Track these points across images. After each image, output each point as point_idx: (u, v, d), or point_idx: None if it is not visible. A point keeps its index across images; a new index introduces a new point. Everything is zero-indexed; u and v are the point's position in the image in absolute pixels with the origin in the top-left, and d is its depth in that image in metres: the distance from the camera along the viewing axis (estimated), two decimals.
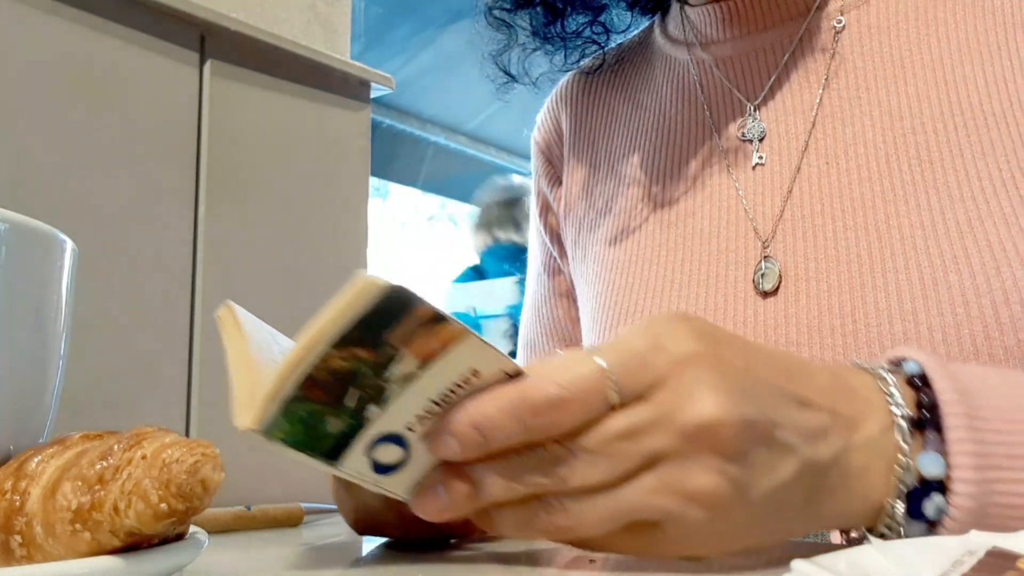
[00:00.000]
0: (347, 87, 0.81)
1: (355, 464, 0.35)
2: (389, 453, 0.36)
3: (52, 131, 0.60)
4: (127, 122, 0.65)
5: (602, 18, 0.76)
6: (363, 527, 0.46)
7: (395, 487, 0.37)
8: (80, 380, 0.59)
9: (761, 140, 0.63)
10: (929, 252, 0.53)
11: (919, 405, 0.38)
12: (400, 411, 0.35)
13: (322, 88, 0.79)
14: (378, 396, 0.34)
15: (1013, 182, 0.53)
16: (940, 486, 0.37)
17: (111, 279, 0.63)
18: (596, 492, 0.35)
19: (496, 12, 0.75)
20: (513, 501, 0.36)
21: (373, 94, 0.85)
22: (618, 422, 0.35)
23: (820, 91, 0.62)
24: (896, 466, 0.37)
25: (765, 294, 0.58)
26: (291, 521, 0.60)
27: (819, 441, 0.37)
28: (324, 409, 0.34)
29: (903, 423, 0.38)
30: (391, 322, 0.33)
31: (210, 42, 0.71)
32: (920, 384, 0.39)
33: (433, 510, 0.36)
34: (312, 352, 0.32)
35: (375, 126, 1.35)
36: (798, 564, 0.26)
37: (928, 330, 0.51)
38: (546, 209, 0.80)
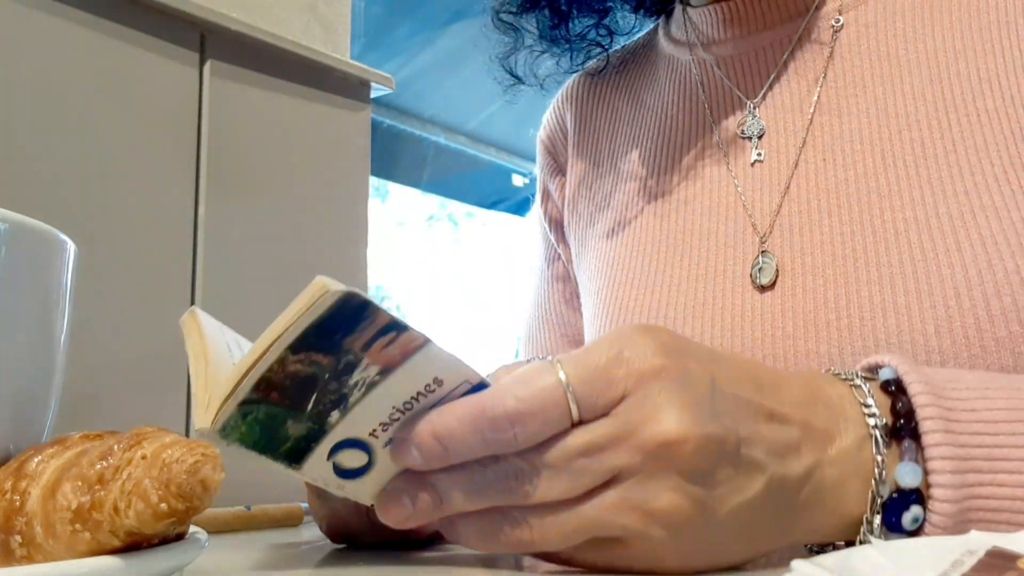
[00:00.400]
0: (347, 87, 0.81)
1: (318, 468, 0.36)
2: (353, 458, 0.36)
3: (52, 131, 0.60)
4: (127, 122, 0.65)
5: (607, 21, 0.77)
6: (335, 534, 0.47)
7: (359, 492, 0.37)
8: (80, 380, 0.59)
9: (760, 137, 0.64)
10: (923, 246, 0.54)
11: (895, 412, 0.38)
12: (362, 417, 0.35)
13: (322, 88, 0.79)
14: (339, 402, 0.34)
15: (1006, 177, 0.54)
16: (918, 496, 0.37)
17: (111, 279, 0.62)
18: (558, 507, 0.35)
19: (503, 15, 0.76)
20: (476, 512, 0.36)
21: (373, 94, 0.85)
22: (579, 438, 0.34)
23: (818, 89, 0.63)
24: (872, 480, 0.37)
25: (762, 288, 0.59)
26: (291, 521, 0.60)
27: (789, 456, 0.36)
28: (283, 413, 0.34)
29: (879, 434, 0.38)
30: (349, 328, 0.33)
31: (210, 42, 0.71)
32: (895, 390, 0.39)
33: (397, 518, 0.36)
34: (269, 355, 0.33)
35: (375, 127, 1.35)
36: (798, 564, 0.26)
37: (921, 323, 0.52)
38: (549, 205, 0.81)
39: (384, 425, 0.35)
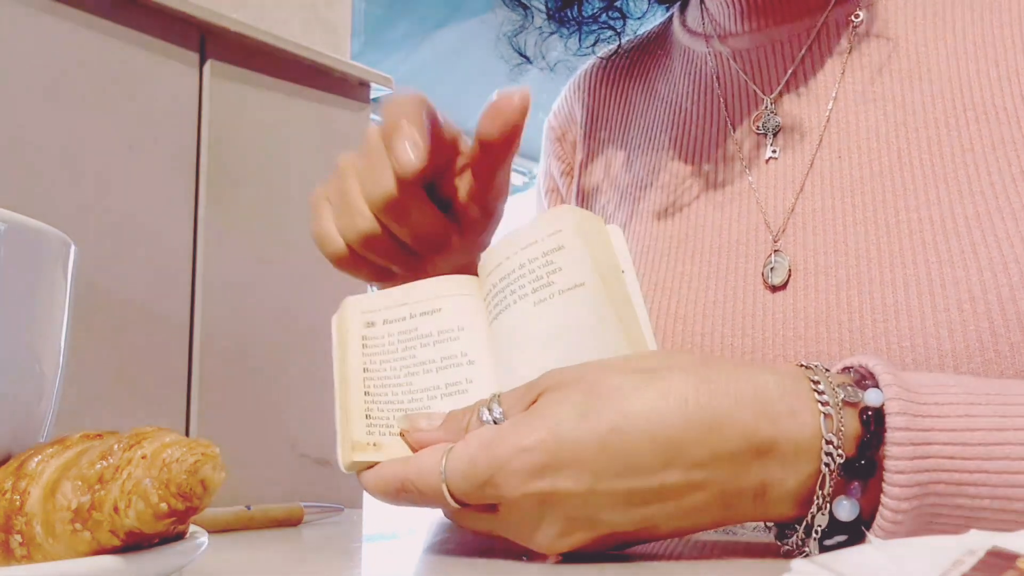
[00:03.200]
0: (347, 87, 0.81)
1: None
2: None
3: (52, 131, 0.60)
4: (127, 122, 0.65)
5: (618, 3, 0.76)
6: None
7: None
8: (80, 380, 0.59)
9: (776, 133, 0.63)
10: (937, 247, 0.53)
11: (859, 445, 0.37)
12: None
13: (322, 88, 0.79)
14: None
15: (1023, 177, 0.53)
16: (848, 528, 0.38)
17: (111, 279, 0.62)
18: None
19: None
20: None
21: (373, 94, 0.85)
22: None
23: (836, 86, 0.62)
24: (810, 513, 0.38)
25: (774, 288, 0.58)
26: (291, 521, 0.60)
27: (715, 509, 0.38)
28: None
29: (828, 472, 0.37)
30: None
31: (210, 42, 0.71)
32: (871, 416, 0.38)
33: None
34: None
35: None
36: (798, 564, 0.26)
37: (935, 325, 0.51)
38: (555, 195, 0.80)
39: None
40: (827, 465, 0.37)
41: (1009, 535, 0.27)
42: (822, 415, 0.38)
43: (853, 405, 0.38)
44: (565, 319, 0.42)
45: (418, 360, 0.45)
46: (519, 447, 0.37)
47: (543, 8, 0.75)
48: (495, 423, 0.40)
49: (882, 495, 0.37)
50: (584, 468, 0.37)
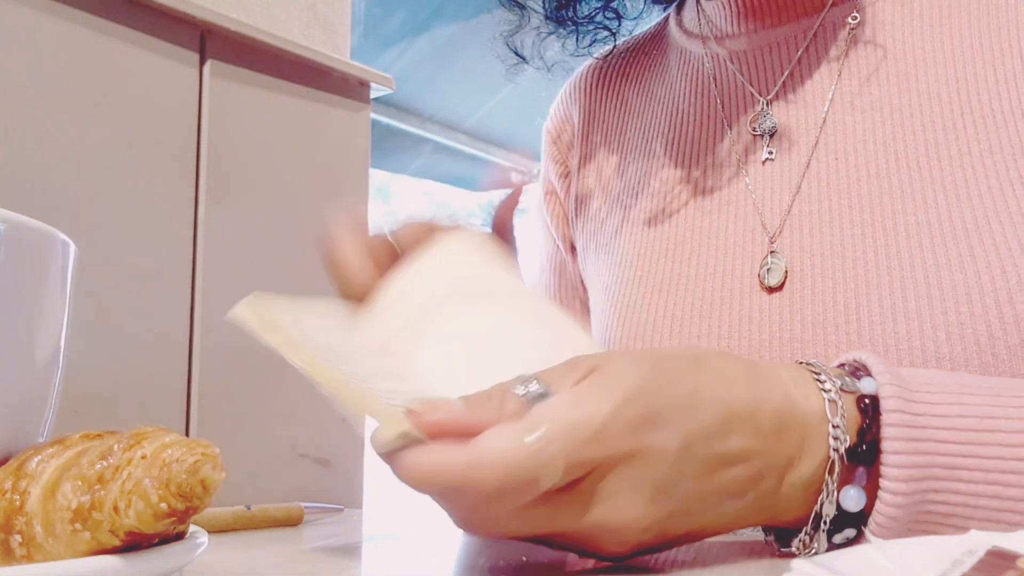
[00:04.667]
0: (347, 87, 0.81)
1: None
2: None
3: (52, 131, 0.60)
4: (127, 122, 0.65)
5: (614, 4, 0.76)
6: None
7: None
8: (80, 380, 0.59)
9: (772, 135, 0.63)
10: (935, 250, 0.53)
11: (859, 433, 0.39)
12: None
13: (322, 88, 0.79)
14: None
15: (1021, 180, 0.53)
16: (855, 519, 0.38)
17: (111, 279, 0.62)
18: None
19: None
20: None
21: (373, 94, 0.85)
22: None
23: (832, 88, 0.62)
24: (819, 500, 0.39)
25: (771, 289, 0.59)
26: (291, 521, 0.60)
27: (749, 490, 0.38)
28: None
29: (837, 457, 0.38)
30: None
31: (210, 42, 0.71)
32: (868, 403, 0.39)
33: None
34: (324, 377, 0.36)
35: (373, 124, 1.36)
36: (798, 564, 0.26)
37: (932, 328, 0.52)
38: (553, 199, 0.80)
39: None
40: (835, 450, 0.38)
41: (1009, 535, 0.27)
42: (827, 401, 0.39)
43: (851, 393, 0.40)
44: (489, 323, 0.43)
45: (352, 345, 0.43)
46: (617, 402, 0.35)
47: (539, 9, 0.75)
48: (541, 397, 0.36)
49: (881, 479, 0.37)
50: (677, 427, 0.36)
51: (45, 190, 0.60)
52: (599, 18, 0.76)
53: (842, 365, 0.43)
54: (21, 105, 0.59)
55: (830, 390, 0.39)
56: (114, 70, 0.65)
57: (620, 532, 0.36)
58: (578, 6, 0.75)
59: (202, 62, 0.71)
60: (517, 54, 0.76)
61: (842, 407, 0.39)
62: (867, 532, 0.39)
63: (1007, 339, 0.50)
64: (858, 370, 0.41)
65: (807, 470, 0.38)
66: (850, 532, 0.39)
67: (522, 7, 0.75)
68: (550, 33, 0.76)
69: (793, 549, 0.40)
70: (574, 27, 0.76)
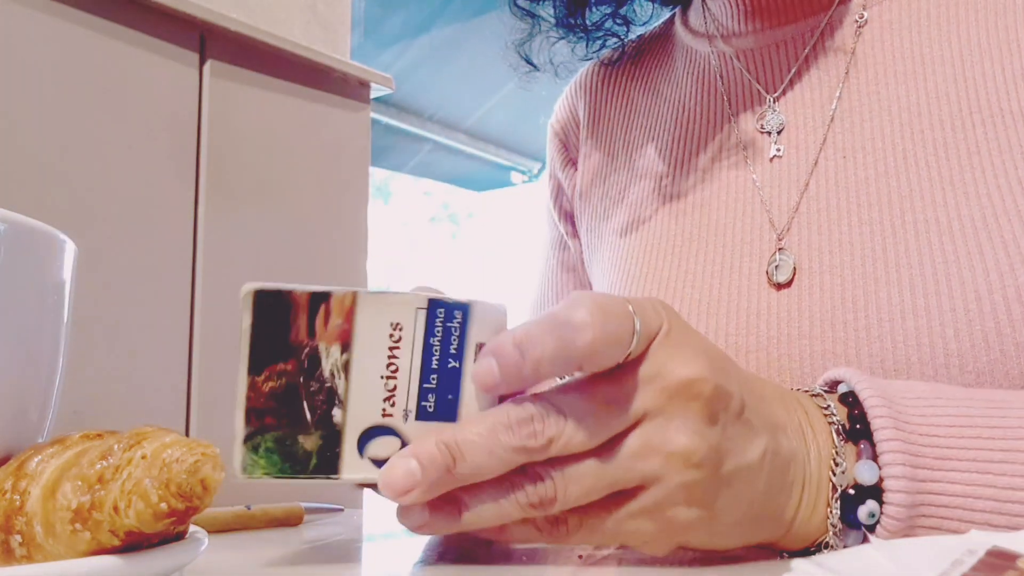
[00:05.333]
0: (347, 87, 0.81)
1: (358, 468, 0.35)
2: (385, 446, 0.35)
3: (52, 131, 0.60)
4: (127, 122, 0.65)
5: (623, 11, 0.76)
6: None
7: None
8: (80, 380, 0.59)
9: (779, 133, 0.63)
10: (943, 248, 0.53)
11: (850, 418, 0.41)
12: (363, 401, 0.34)
13: (322, 88, 0.79)
14: (331, 398, 0.34)
15: None
16: (873, 493, 0.39)
17: (111, 279, 0.62)
18: (580, 458, 0.35)
19: (520, 1, 0.75)
20: (488, 483, 0.36)
21: (373, 94, 0.85)
22: (610, 385, 0.36)
23: (840, 86, 0.62)
24: (831, 473, 0.40)
25: (779, 286, 0.59)
26: (291, 521, 0.60)
27: (780, 434, 0.39)
28: (288, 432, 0.34)
29: (835, 431, 0.40)
30: (283, 323, 0.33)
31: (210, 42, 0.71)
32: (851, 400, 0.42)
33: (402, 485, 0.35)
34: (239, 388, 0.33)
35: (373, 124, 1.36)
36: (798, 564, 0.26)
37: (940, 326, 0.52)
38: (559, 195, 0.80)
39: (388, 399, 0.35)
40: (832, 424, 0.40)
41: (1009, 535, 0.27)
42: (812, 395, 0.42)
43: (832, 393, 0.43)
44: None
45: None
46: (695, 349, 0.37)
47: (550, 16, 0.75)
48: None
49: (883, 467, 0.38)
50: (733, 375, 0.38)
51: (45, 190, 0.60)
52: (608, 24, 0.76)
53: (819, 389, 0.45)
54: (21, 105, 0.59)
55: (812, 387, 0.43)
56: (114, 70, 0.65)
57: (695, 382, 0.36)
58: (587, 13, 0.75)
59: (202, 62, 0.71)
60: (529, 62, 0.77)
61: (828, 400, 0.42)
62: (867, 533, 0.39)
63: (1015, 336, 0.50)
64: (833, 383, 0.44)
65: (823, 441, 0.40)
66: (873, 505, 0.39)
67: (533, 15, 0.75)
68: (560, 39, 0.76)
69: (828, 538, 0.40)
70: (584, 34, 0.76)
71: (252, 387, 0.33)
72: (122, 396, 0.63)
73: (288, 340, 0.33)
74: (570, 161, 0.79)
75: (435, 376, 0.36)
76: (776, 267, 0.59)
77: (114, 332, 0.62)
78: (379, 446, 0.35)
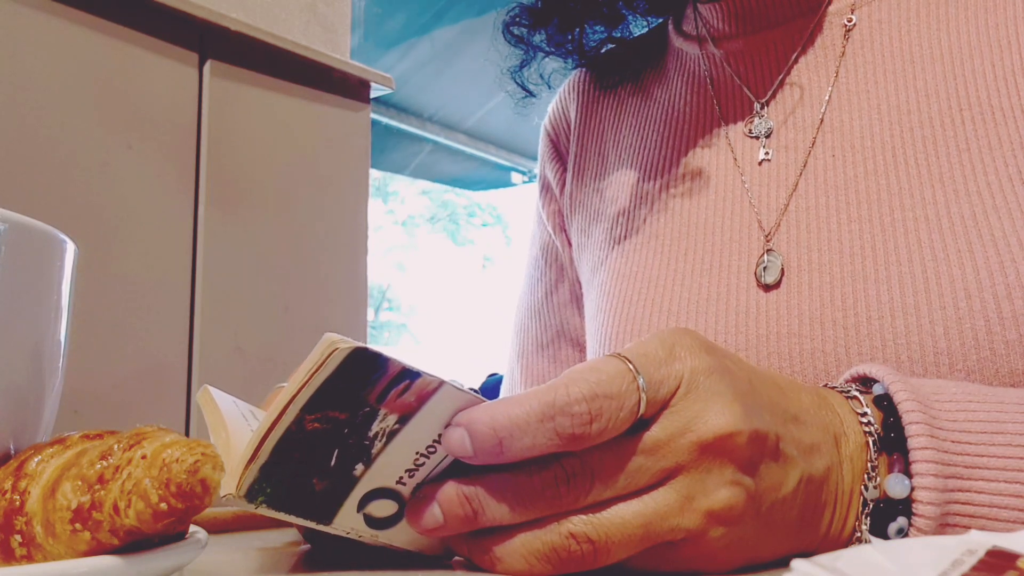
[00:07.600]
0: (347, 87, 0.81)
1: (349, 521, 0.35)
2: (383, 508, 0.36)
3: (52, 131, 0.60)
4: (127, 122, 0.65)
5: (617, 33, 0.77)
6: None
7: (393, 539, 0.37)
8: (80, 380, 0.59)
9: (768, 136, 0.64)
10: (933, 246, 0.53)
11: (885, 424, 0.39)
12: (387, 466, 0.34)
13: (322, 88, 0.79)
14: (362, 454, 0.34)
15: (1020, 177, 0.53)
16: (904, 506, 0.38)
17: (111, 279, 0.62)
18: (618, 513, 0.34)
19: (515, 29, 0.76)
20: (517, 530, 0.34)
21: (373, 94, 0.85)
22: (638, 436, 0.34)
23: (829, 88, 0.62)
24: (864, 488, 0.39)
25: (767, 287, 0.59)
26: None
27: (814, 456, 0.37)
28: (307, 471, 0.34)
29: (872, 441, 0.39)
30: (363, 382, 0.32)
31: (210, 42, 0.71)
32: (886, 404, 0.40)
33: (426, 524, 0.35)
34: (285, 417, 0.33)
35: (373, 124, 1.36)
36: (798, 564, 0.26)
37: (930, 323, 0.52)
38: (549, 195, 0.80)
39: (410, 471, 0.35)
40: (869, 434, 0.39)
41: (1009, 535, 0.27)
42: (849, 398, 0.40)
43: (867, 394, 0.41)
44: None
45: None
46: (685, 333, 0.36)
47: (544, 46, 0.76)
48: None
49: (914, 477, 0.37)
50: (740, 364, 0.37)
51: (45, 190, 0.60)
52: (603, 47, 0.77)
53: (849, 381, 0.43)
54: (21, 105, 0.59)
55: (848, 390, 0.41)
56: (114, 70, 0.65)
57: (729, 436, 0.34)
58: (583, 38, 0.75)
59: (202, 62, 0.71)
60: (524, 88, 0.77)
61: (864, 402, 0.40)
62: (867, 533, 0.39)
63: (1005, 334, 0.50)
64: (866, 380, 0.42)
65: (854, 448, 0.39)
66: (903, 522, 0.38)
67: (528, 43, 0.76)
68: (551, 54, 0.77)
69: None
70: (579, 54, 0.76)
71: (299, 422, 0.33)
72: (122, 396, 0.63)
73: (357, 396, 0.33)
74: (560, 160, 0.80)
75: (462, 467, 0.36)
76: (764, 268, 0.59)
77: (114, 332, 0.63)
78: (378, 506, 0.35)
